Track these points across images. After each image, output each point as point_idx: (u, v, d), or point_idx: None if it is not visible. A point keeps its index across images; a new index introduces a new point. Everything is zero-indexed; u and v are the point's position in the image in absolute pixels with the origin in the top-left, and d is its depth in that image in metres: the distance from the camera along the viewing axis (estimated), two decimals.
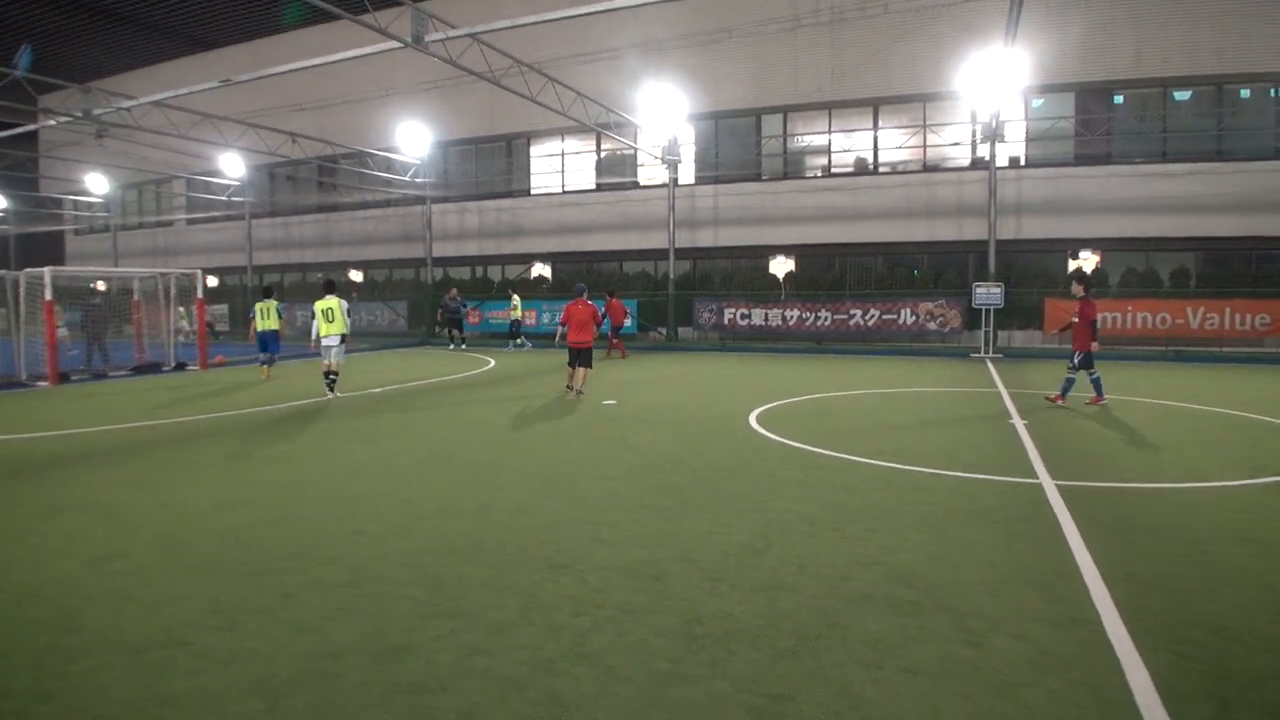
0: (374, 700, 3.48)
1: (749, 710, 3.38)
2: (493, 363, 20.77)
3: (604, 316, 20.44)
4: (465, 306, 27.20)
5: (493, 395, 14.59)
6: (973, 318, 22.58)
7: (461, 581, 4.91)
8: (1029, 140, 24.54)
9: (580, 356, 13.95)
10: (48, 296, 16.93)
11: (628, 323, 25.98)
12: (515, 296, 26.72)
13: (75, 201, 42.57)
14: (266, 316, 17.12)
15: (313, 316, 14.04)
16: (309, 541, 5.75)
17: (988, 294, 21.77)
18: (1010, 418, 11.17)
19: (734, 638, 4.09)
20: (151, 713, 3.41)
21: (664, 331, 26.97)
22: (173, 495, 7.17)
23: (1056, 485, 7.15)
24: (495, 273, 32.60)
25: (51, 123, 25.92)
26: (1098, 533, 5.75)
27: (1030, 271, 23.93)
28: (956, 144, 25.11)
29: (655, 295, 27.70)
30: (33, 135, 34.08)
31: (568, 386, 14.03)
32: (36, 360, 17.11)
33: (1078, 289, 12.95)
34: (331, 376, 13.99)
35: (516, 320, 26.48)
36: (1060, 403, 12.40)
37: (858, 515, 6.28)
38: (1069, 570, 5.02)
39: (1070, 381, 12.47)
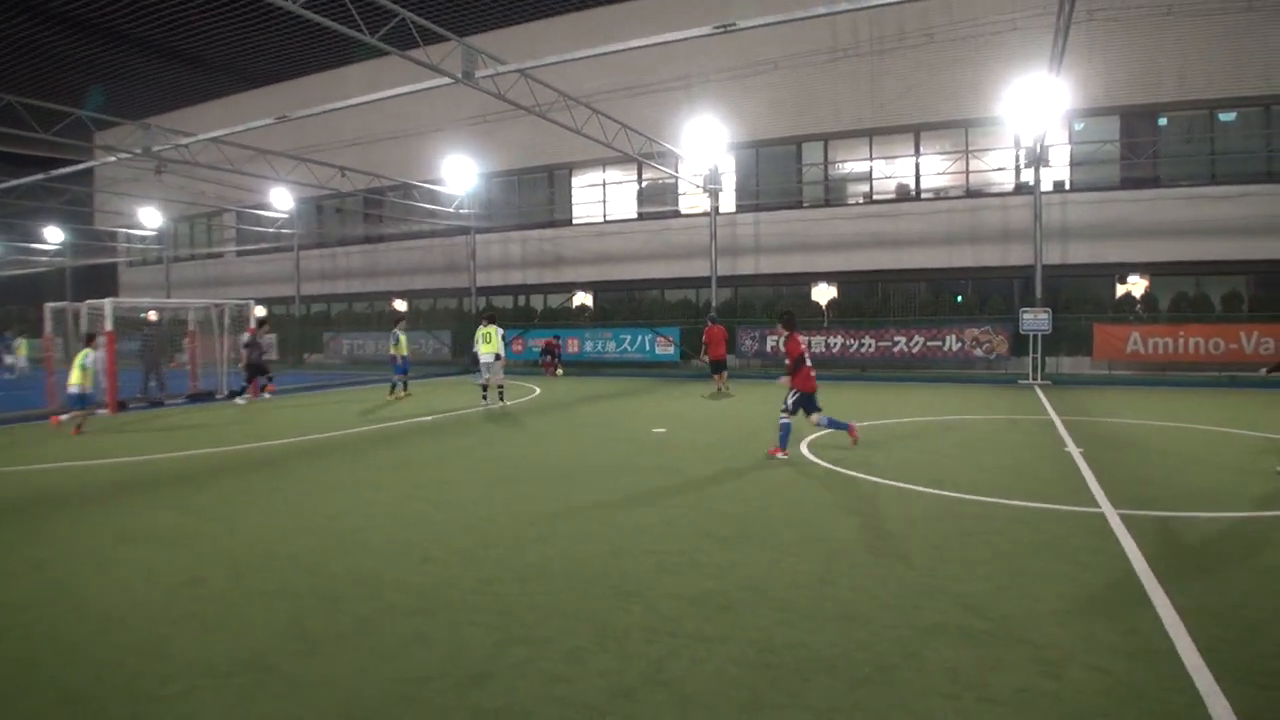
0: None
1: None
2: (538, 391, 20.93)
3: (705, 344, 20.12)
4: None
5: (541, 424, 14.71)
6: (1020, 344, 22.33)
7: (533, 609, 4.98)
8: (1074, 164, 24.35)
9: (718, 365, 19.50)
10: (108, 326, 17.42)
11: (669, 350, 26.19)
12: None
13: (129, 234, 43.80)
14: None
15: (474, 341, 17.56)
16: (377, 568, 5.86)
17: (1035, 320, 21.54)
18: (1066, 445, 11.03)
19: (810, 667, 4.10)
20: None
21: (706, 359, 26.95)
22: (240, 523, 7.35)
23: (1119, 514, 7.06)
24: (538, 301, 32.91)
25: (111, 159, 26.71)
26: (1166, 563, 5.67)
27: (1078, 296, 23.66)
28: (1000, 169, 25.01)
29: (697, 323, 27.74)
30: (89, 171, 35.17)
31: (719, 389, 19.47)
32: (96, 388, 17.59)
33: (780, 331, 11.25)
34: (497, 388, 17.24)
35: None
36: (781, 455, 10.43)
37: (921, 545, 6.26)
38: (1140, 601, 4.96)
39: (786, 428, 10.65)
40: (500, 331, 17.31)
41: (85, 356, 14.29)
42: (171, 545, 6.63)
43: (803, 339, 11.03)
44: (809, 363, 10.87)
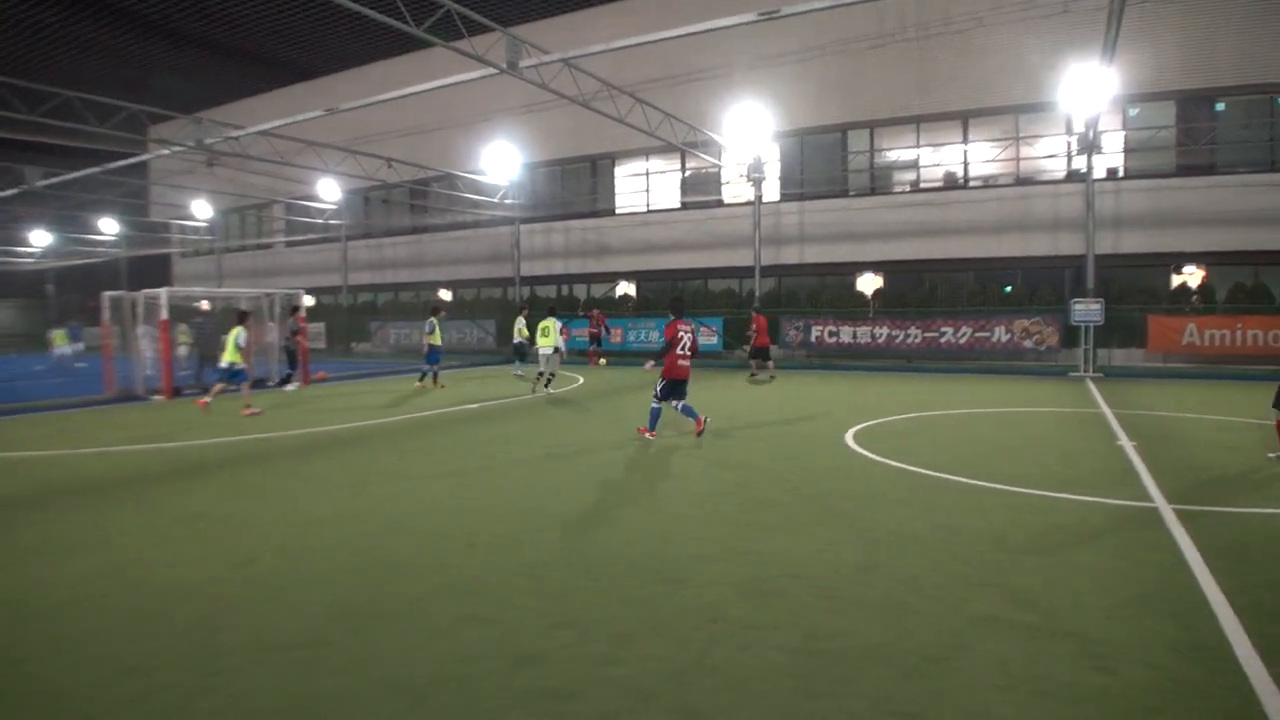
0: (511, 704, 3.62)
1: None
2: (581, 380, 21.04)
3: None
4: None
5: (585, 412, 14.80)
6: (1070, 335, 21.93)
7: (579, 592, 5.04)
8: (1127, 151, 23.80)
9: (762, 353, 20.56)
10: (164, 315, 17.85)
11: (712, 340, 26.18)
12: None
13: (182, 226, 44.83)
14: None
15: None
16: (426, 551, 5.97)
17: (1086, 310, 21.12)
18: (1118, 439, 10.82)
19: (858, 655, 4.10)
20: (306, 707, 3.62)
21: (749, 349, 26.88)
22: (293, 505, 7.52)
23: (1173, 509, 6.92)
24: (581, 291, 33.04)
25: (165, 152, 27.36)
26: (1221, 559, 5.55)
27: (1131, 287, 23.15)
28: (1051, 156, 24.52)
29: (740, 313, 27.67)
30: (143, 164, 36.00)
31: (771, 376, 20.62)
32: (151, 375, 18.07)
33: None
34: (548, 377, 17.60)
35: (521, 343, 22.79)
36: (648, 435, 11.14)
37: (968, 536, 6.21)
38: (1194, 597, 4.87)
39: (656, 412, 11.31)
40: (559, 325, 18.17)
41: (238, 335, 14.77)
42: (225, 526, 6.80)
43: (684, 327, 11.31)
44: (683, 350, 11.17)
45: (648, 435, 11.16)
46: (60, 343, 28.65)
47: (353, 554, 5.93)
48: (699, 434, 11.26)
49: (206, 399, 15.09)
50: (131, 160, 27.57)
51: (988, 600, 4.86)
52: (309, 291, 26.43)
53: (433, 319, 19.39)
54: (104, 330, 19.66)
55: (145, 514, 7.30)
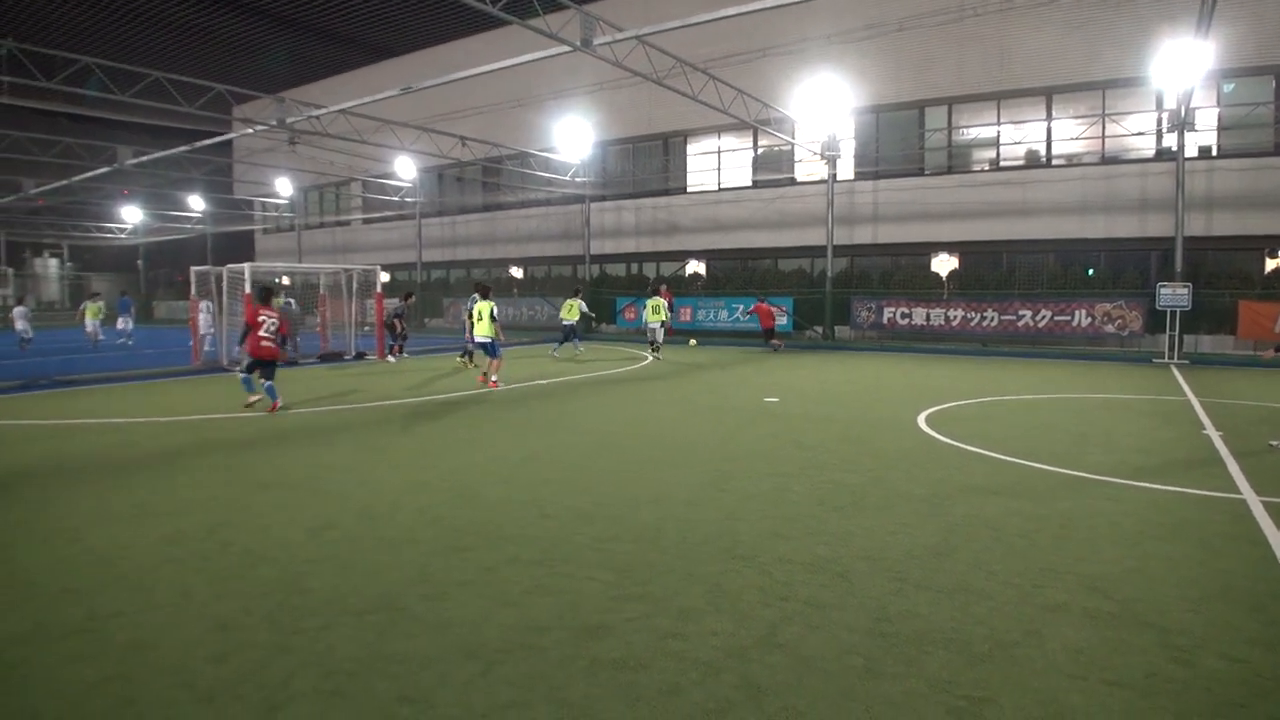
0: (579, 674, 3.68)
1: (949, 710, 3.37)
2: (649, 358, 21.09)
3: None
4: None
5: (653, 391, 14.84)
6: (1155, 320, 21.14)
7: (648, 567, 5.09)
8: (1221, 128, 22.74)
9: (770, 333, 23.21)
10: (247, 289, 18.43)
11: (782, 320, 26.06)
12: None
13: (264, 203, 46.18)
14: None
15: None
16: (497, 522, 6.08)
17: (1173, 295, 20.32)
18: (1204, 428, 10.43)
19: (926, 638, 4.07)
20: (379, 668, 3.74)
21: (820, 330, 26.63)
22: (368, 474, 7.73)
23: (1262, 501, 6.65)
24: (650, 270, 33.04)
25: (248, 131, 28.13)
26: None
27: (1221, 271, 22.17)
28: (1140, 134, 23.56)
29: (812, 293, 27.38)
30: (228, 143, 37.10)
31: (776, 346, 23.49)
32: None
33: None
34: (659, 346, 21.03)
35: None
36: (252, 399, 12.19)
37: (1044, 523, 6.07)
38: None
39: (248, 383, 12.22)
40: (665, 304, 21.79)
41: (491, 308, 15.26)
42: (306, 493, 7.03)
43: (267, 314, 11.99)
44: (265, 333, 11.81)
45: (252, 399, 12.18)
46: (93, 316, 25.63)
47: (426, 523, 6.08)
48: (273, 411, 11.90)
49: (493, 376, 15.09)
50: (217, 139, 28.41)
51: (1062, 588, 4.76)
52: (384, 268, 26.93)
53: (475, 296, 18.92)
54: (191, 304, 20.39)
55: (230, 480, 7.58)
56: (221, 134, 29.74)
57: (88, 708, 3.43)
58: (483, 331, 15.28)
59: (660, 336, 21.66)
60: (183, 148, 28.00)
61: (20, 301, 25.87)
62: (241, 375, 12.49)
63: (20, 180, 35.60)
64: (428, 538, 5.71)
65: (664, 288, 23.97)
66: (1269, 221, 21.61)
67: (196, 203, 45.03)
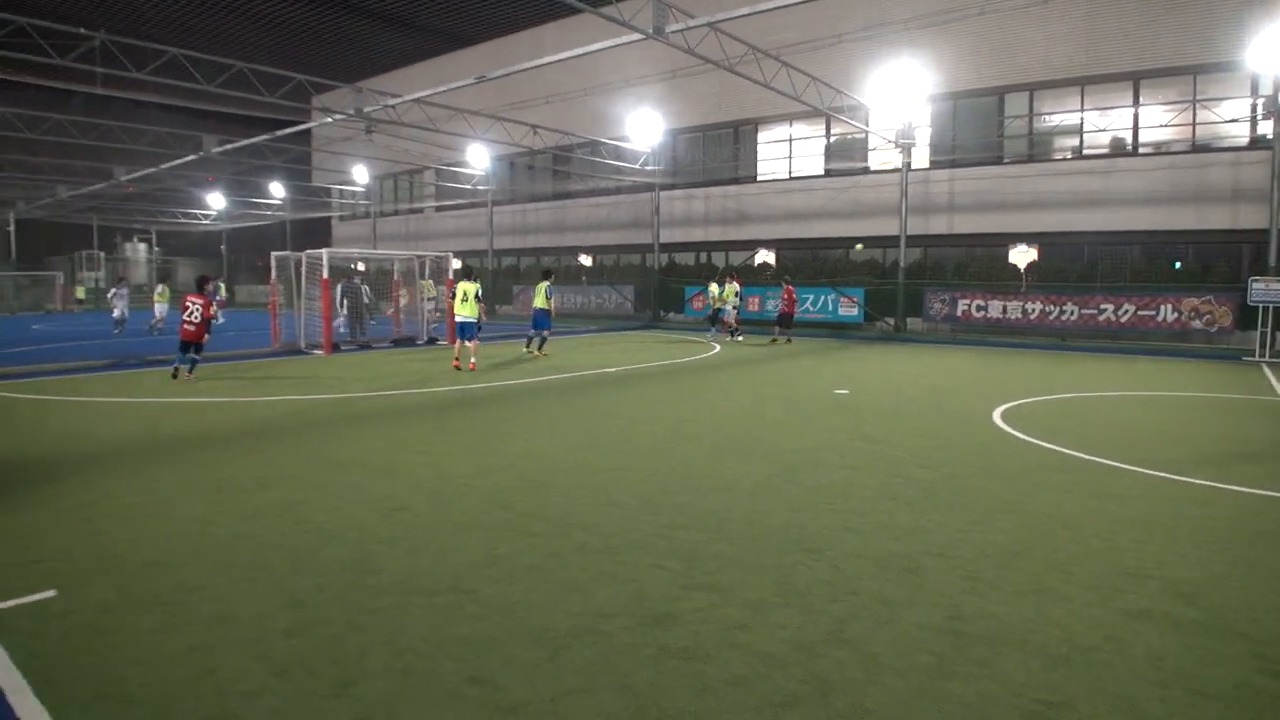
0: (645, 661, 3.68)
1: (1024, 714, 3.27)
2: (717, 348, 20.99)
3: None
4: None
5: (722, 380, 14.77)
6: (1246, 317, 20.22)
7: (715, 557, 5.06)
8: None
9: (787, 319, 22.96)
10: (324, 275, 18.89)
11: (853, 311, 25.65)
12: (714, 286, 24.78)
13: (341, 190, 47.23)
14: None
15: None
16: (565, 508, 6.12)
17: (1266, 290, 19.39)
18: None
19: (1000, 639, 3.95)
20: (448, 650, 3.79)
21: (891, 322, 26.16)
22: (440, 458, 7.85)
23: None
24: (719, 259, 32.85)
25: (327, 120, 28.72)
26: None
27: None
28: (1233, 120, 22.51)
29: (884, 284, 26.89)
30: (307, 132, 38.00)
31: (787, 340, 22.59)
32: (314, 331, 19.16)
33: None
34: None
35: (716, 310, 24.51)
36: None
37: (1125, 525, 5.85)
38: None
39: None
40: (737, 288, 23.30)
41: (476, 289, 15.70)
42: (379, 474, 7.18)
43: (193, 300, 13.48)
44: (188, 317, 13.37)
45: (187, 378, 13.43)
46: (161, 300, 25.81)
47: (495, 507, 6.15)
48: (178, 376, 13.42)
49: (471, 359, 15.50)
50: (297, 128, 29.12)
51: (1145, 592, 4.58)
52: (456, 255, 27.29)
53: (545, 283, 18.73)
54: (271, 287, 20.98)
55: (304, 459, 7.78)
56: (301, 123, 30.50)
57: (171, 675, 3.55)
58: (467, 312, 15.30)
59: (733, 319, 22.63)
60: (264, 136, 28.79)
61: (120, 283, 26.32)
62: (176, 355, 13.76)
63: (111, 168, 37.05)
64: (496, 522, 5.77)
65: (734, 276, 24.09)
66: None
67: (277, 190, 46.32)
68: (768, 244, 31.32)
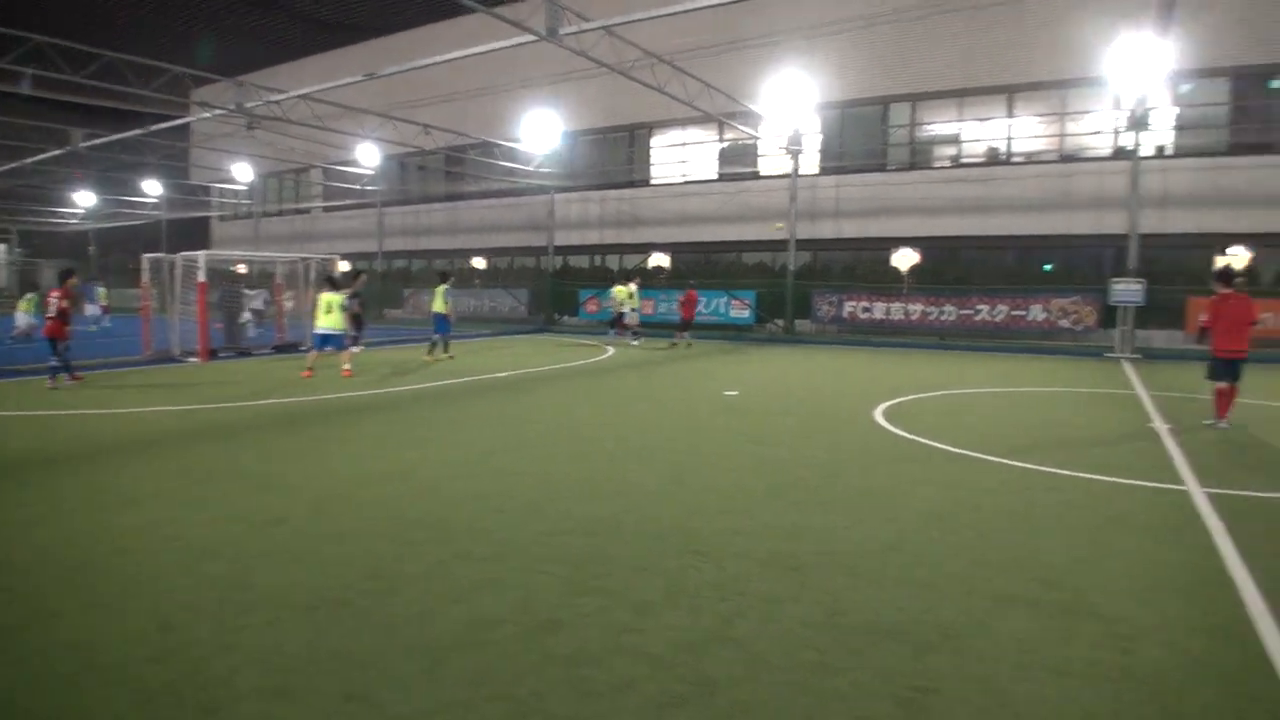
0: (530, 669, 3.64)
1: (897, 701, 3.39)
2: (611, 351, 21.05)
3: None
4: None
5: (614, 384, 14.81)
6: (1109, 316, 21.54)
7: (605, 561, 5.05)
8: (1178, 128, 23.18)
9: (687, 324, 22.71)
10: (201, 278, 18.07)
11: (745, 313, 26.06)
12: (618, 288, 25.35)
13: (221, 189, 45.32)
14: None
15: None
16: (451, 516, 6.01)
17: (1126, 290, 20.72)
18: (1151, 421, 10.66)
19: (876, 630, 4.08)
20: (324, 666, 3.65)
21: (781, 324, 26.76)
22: (321, 468, 7.60)
23: (1205, 493, 6.79)
24: (614, 262, 32.96)
25: (206, 115, 27.57)
26: (1251, 544, 5.45)
27: (1174, 268, 22.64)
28: (1097, 132, 23.93)
29: (774, 287, 27.48)
30: (185, 127, 36.37)
31: (688, 344, 22.61)
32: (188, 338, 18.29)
33: None
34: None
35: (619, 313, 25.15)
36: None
37: (995, 516, 6.14)
38: (1222, 580, 4.81)
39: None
40: (632, 289, 23.79)
41: (341, 299, 15.08)
42: (256, 486, 6.89)
43: (55, 294, 13.14)
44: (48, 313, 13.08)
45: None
46: (25, 309, 23.24)
47: (379, 517, 5.99)
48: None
49: (345, 366, 15.05)
50: (173, 123, 27.81)
51: (1011, 579, 4.81)
52: (344, 257, 26.57)
53: (445, 287, 18.63)
54: (143, 291, 19.93)
55: (179, 473, 7.41)
56: (178, 117, 29.15)
57: (25, 711, 3.32)
58: (330, 324, 14.87)
59: (634, 321, 23.03)
60: (138, 131, 27.37)
61: None
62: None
63: None
64: (379, 532, 5.62)
65: (638, 280, 24.40)
66: (1221, 219, 22.09)
67: (152, 188, 44.08)
68: (662, 247, 31.60)
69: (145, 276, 19.63)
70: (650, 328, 26.96)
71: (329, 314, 14.92)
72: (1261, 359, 19.46)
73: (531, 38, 16.37)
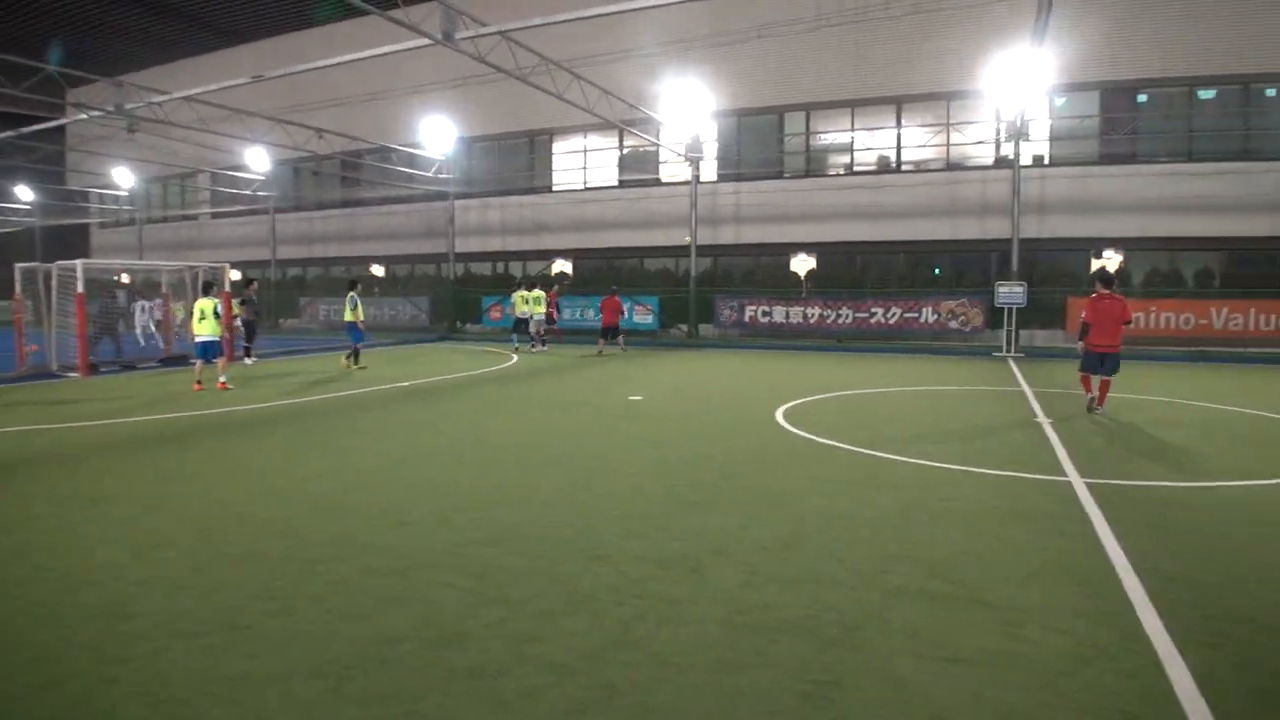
0: (435, 684, 3.60)
1: (801, 697, 3.48)
2: (515, 358, 20.91)
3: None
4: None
5: (519, 390, 14.73)
6: (995, 317, 22.56)
7: (506, 571, 5.03)
8: (1053, 139, 24.44)
9: (611, 331, 22.86)
10: (79, 289, 17.17)
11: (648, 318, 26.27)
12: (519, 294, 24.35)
13: (101, 195, 43.11)
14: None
15: None
16: (353, 531, 5.88)
17: (1010, 293, 21.75)
18: (1035, 416, 11.20)
19: (776, 628, 4.19)
20: (216, 692, 3.53)
21: (685, 328, 27.06)
22: (213, 486, 7.32)
23: (1086, 483, 7.19)
24: (516, 269, 32.73)
25: (83, 117, 26.27)
26: (1128, 529, 5.80)
27: (1053, 270, 23.89)
28: (980, 142, 25.04)
29: (676, 292, 27.77)
30: (61, 129, 34.53)
31: (622, 349, 22.83)
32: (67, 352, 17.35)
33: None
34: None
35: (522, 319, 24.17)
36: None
37: (889, 511, 6.37)
38: (1102, 566, 5.10)
39: None
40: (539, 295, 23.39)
41: (215, 305, 14.58)
42: (138, 509, 6.57)
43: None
44: None
45: None
46: None
47: (275, 535, 5.81)
48: None
49: (220, 378, 14.67)
50: (48, 125, 26.37)
51: (905, 572, 5.00)
52: (234, 265, 25.66)
53: (353, 295, 18.22)
54: (15, 303, 18.82)
55: (47, 498, 7.01)
56: (53, 119, 27.66)
57: None
58: (206, 331, 14.47)
59: (539, 329, 22.89)
60: (8, 133, 25.85)
61: None
62: None
63: None
64: (275, 551, 5.45)
65: (554, 290, 24.32)
66: (1095, 225, 23.39)
67: (24, 193, 41.60)
68: (565, 254, 31.55)
69: (17, 287, 18.54)
70: (576, 335, 26.91)
71: (202, 320, 14.45)
72: (1133, 356, 20.72)
73: (427, 42, 16.14)
